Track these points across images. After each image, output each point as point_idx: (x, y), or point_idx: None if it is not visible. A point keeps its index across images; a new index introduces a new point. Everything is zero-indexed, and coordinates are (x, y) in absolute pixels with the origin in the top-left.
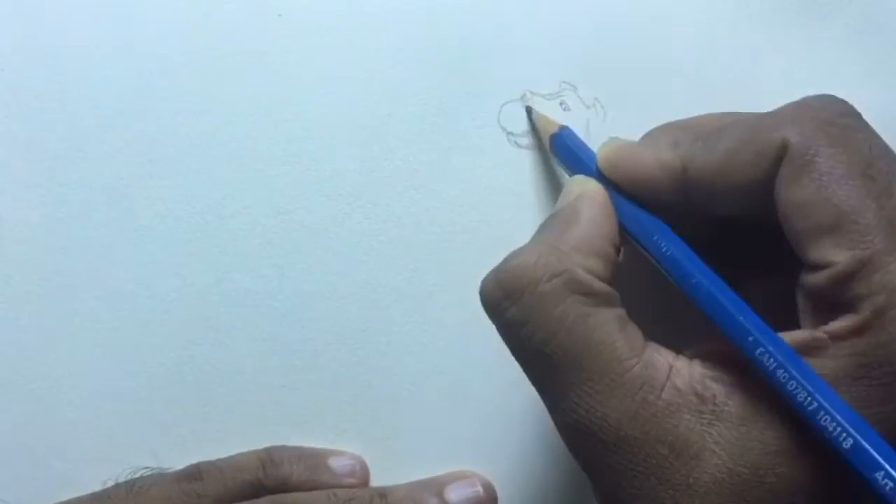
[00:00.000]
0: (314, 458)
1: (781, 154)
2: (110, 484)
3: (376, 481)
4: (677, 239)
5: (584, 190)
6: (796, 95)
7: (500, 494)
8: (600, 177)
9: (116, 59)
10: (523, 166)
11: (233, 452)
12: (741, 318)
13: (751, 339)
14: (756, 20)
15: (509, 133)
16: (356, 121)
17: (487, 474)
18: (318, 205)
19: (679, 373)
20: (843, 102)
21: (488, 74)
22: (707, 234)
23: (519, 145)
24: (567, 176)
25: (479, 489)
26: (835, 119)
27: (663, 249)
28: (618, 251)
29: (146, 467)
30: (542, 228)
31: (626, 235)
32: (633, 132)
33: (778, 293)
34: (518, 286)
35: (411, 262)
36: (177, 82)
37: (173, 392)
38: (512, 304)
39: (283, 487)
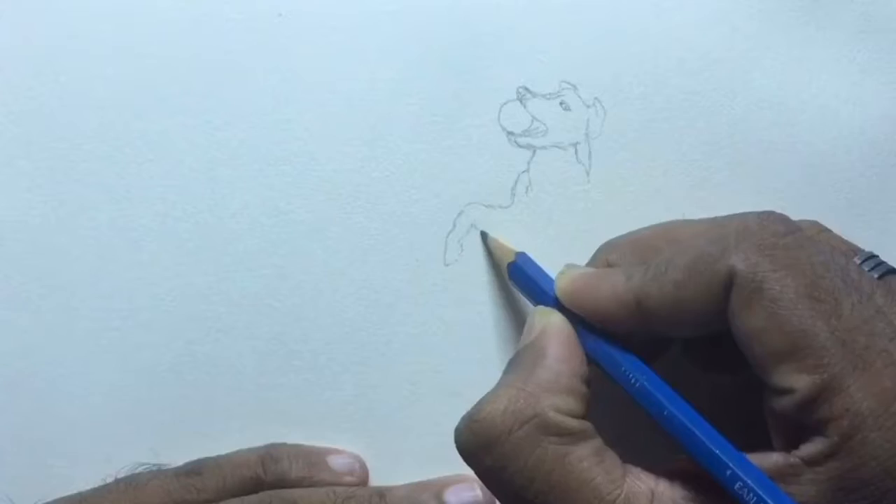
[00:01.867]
0: (313, 456)
1: (729, 283)
2: (110, 480)
3: (375, 481)
4: (646, 369)
5: (548, 324)
6: (796, 95)
7: None
8: (560, 306)
9: (116, 59)
10: (523, 166)
11: (233, 451)
12: (717, 451)
13: (728, 472)
14: (756, 20)
15: (509, 133)
16: (356, 121)
17: None
18: (318, 205)
19: (661, 498)
20: (783, 220)
21: (488, 74)
22: (670, 348)
23: (519, 145)
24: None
25: (478, 492)
26: (776, 241)
27: (633, 382)
28: (588, 384)
29: (146, 464)
30: (510, 368)
31: (596, 365)
32: (634, 132)
33: (747, 388)
34: (491, 437)
35: (411, 262)
36: (177, 82)
37: (173, 391)
38: (487, 455)
39: (282, 484)
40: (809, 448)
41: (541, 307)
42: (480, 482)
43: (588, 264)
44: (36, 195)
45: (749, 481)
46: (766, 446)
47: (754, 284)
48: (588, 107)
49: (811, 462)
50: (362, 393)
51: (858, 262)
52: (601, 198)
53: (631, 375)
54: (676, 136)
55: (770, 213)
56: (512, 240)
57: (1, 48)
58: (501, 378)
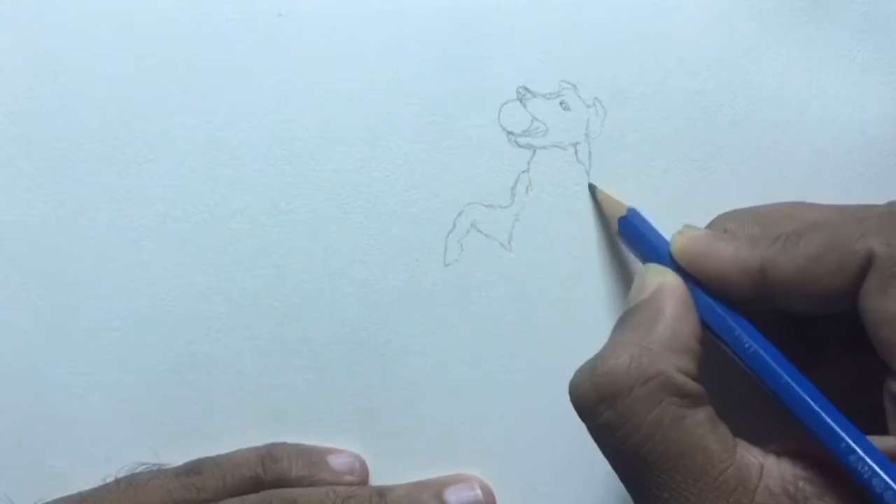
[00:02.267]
0: (313, 455)
1: (867, 265)
2: (110, 480)
3: (375, 481)
4: (760, 336)
5: (664, 283)
6: (796, 95)
7: (498, 496)
8: (675, 267)
9: (116, 59)
10: (523, 166)
11: (232, 451)
12: (834, 424)
13: (843, 445)
14: (756, 20)
15: (509, 133)
16: (356, 121)
17: (486, 475)
18: (318, 205)
19: (770, 473)
20: None
21: (488, 74)
22: (788, 325)
23: (519, 145)
24: (636, 259)
25: (478, 492)
26: None
27: (747, 347)
28: (703, 346)
29: (145, 464)
30: (626, 322)
31: (706, 329)
32: (634, 132)
33: (865, 379)
34: (613, 390)
35: (411, 262)
36: (177, 82)
37: (173, 391)
38: (608, 408)
39: (282, 483)
40: None
41: (653, 265)
42: (480, 480)
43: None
44: (36, 195)
45: (864, 455)
46: (882, 432)
47: (895, 270)
48: (588, 107)
49: None
50: (362, 393)
51: None
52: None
53: (745, 341)
54: (676, 136)
55: None
56: (512, 239)
57: (1, 48)
58: (616, 334)
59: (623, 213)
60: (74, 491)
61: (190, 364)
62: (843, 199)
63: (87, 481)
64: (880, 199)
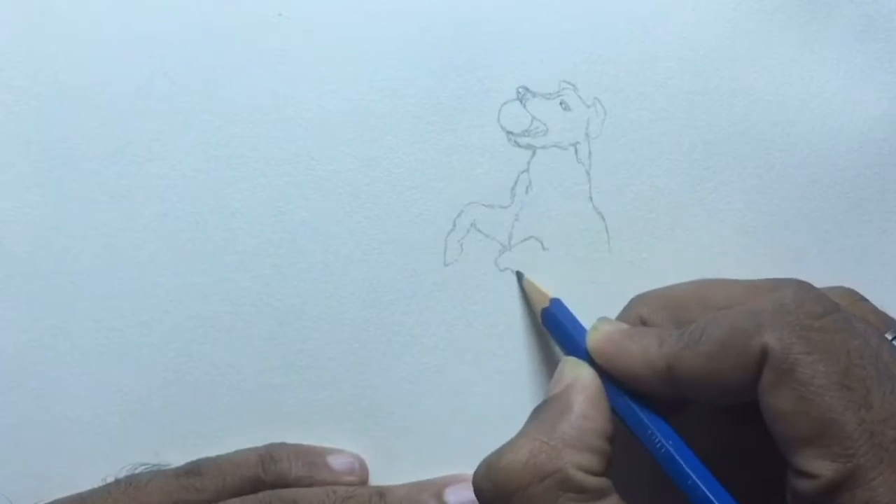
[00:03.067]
0: (313, 456)
1: (762, 360)
2: (110, 480)
3: (375, 480)
4: (673, 434)
5: (577, 377)
6: (796, 95)
7: None
8: (591, 359)
9: (116, 59)
10: (523, 166)
11: (232, 450)
12: None
13: None
14: (756, 20)
15: (509, 133)
16: (356, 121)
17: None
18: (318, 205)
19: None
20: (820, 299)
21: (488, 74)
22: (703, 414)
23: (519, 145)
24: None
25: None
26: (812, 322)
27: (658, 446)
28: (611, 442)
29: (145, 464)
30: (536, 416)
31: (622, 423)
32: (634, 132)
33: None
34: (510, 487)
35: (411, 262)
36: (177, 82)
37: (173, 392)
38: None
39: (282, 484)
40: None
41: (571, 359)
42: None
43: (619, 317)
44: (36, 195)
45: None
46: None
47: (786, 366)
48: (588, 107)
49: None
50: (362, 393)
51: (891, 336)
52: (601, 198)
53: (657, 440)
54: (676, 136)
55: (808, 290)
56: (512, 239)
57: (1, 48)
58: (525, 426)
59: (546, 303)
60: (74, 491)
61: (190, 364)
62: (843, 199)
63: (87, 481)
64: (880, 200)
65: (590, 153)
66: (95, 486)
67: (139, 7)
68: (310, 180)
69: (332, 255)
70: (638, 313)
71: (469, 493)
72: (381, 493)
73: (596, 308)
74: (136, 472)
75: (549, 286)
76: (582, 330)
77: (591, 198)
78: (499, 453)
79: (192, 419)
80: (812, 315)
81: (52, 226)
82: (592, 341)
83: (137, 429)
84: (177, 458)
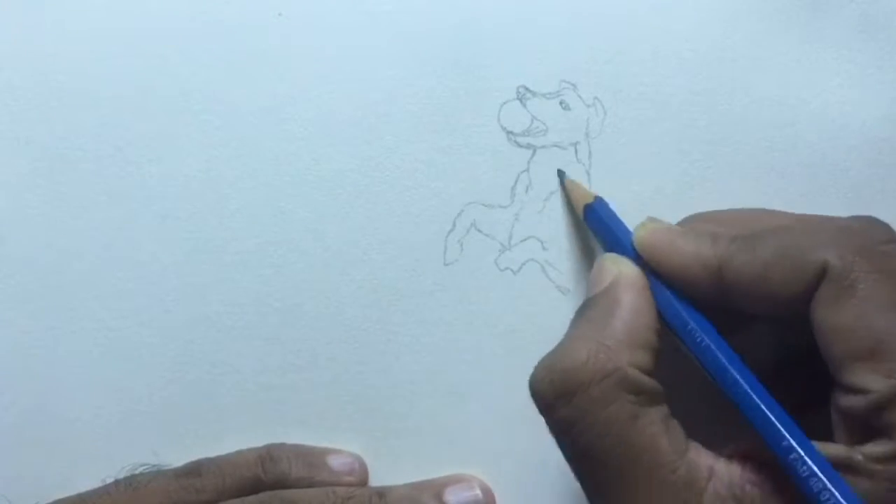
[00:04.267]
0: (313, 456)
1: (820, 275)
2: (109, 481)
3: (375, 481)
4: (714, 332)
5: (622, 273)
6: (796, 95)
7: (498, 496)
8: (636, 257)
9: (116, 58)
10: (523, 166)
11: (232, 451)
12: (778, 423)
13: (785, 444)
14: (756, 20)
15: (509, 132)
16: (356, 121)
17: (486, 475)
18: (318, 205)
19: (719, 477)
20: (886, 228)
21: (488, 73)
22: (743, 323)
23: (519, 145)
24: (598, 245)
25: (478, 492)
26: (875, 245)
27: (699, 342)
28: (660, 339)
29: (145, 464)
30: (584, 315)
31: (663, 323)
32: (634, 132)
33: (814, 386)
34: (570, 387)
35: (411, 262)
36: (177, 82)
37: (173, 391)
38: (564, 405)
39: (282, 484)
40: (872, 448)
41: (611, 255)
42: (480, 481)
43: None
44: (36, 195)
45: (805, 455)
46: (827, 438)
47: (847, 282)
48: (588, 106)
49: (872, 460)
50: (362, 393)
51: None
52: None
53: (698, 336)
54: (676, 136)
55: (872, 219)
56: (512, 239)
57: (1, 48)
58: (574, 326)
59: (590, 200)
60: (74, 491)
61: (190, 364)
62: (842, 199)
63: (87, 481)
64: (880, 200)
65: (590, 153)
66: (95, 486)
67: (139, 7)
68: (310, 180)
69: (332, 255)
70: (689, 224)
71: (469, 494)
72: (381, 493)
73: None
74: (136, 472)
75: (549, 285)
76: (626, 229)
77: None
78: (556, 355)
79: (192, 419)
80: (877, 239)
81: (52, 226)
82: (640, 235)
83: (137, 429)
84: (177, 458)
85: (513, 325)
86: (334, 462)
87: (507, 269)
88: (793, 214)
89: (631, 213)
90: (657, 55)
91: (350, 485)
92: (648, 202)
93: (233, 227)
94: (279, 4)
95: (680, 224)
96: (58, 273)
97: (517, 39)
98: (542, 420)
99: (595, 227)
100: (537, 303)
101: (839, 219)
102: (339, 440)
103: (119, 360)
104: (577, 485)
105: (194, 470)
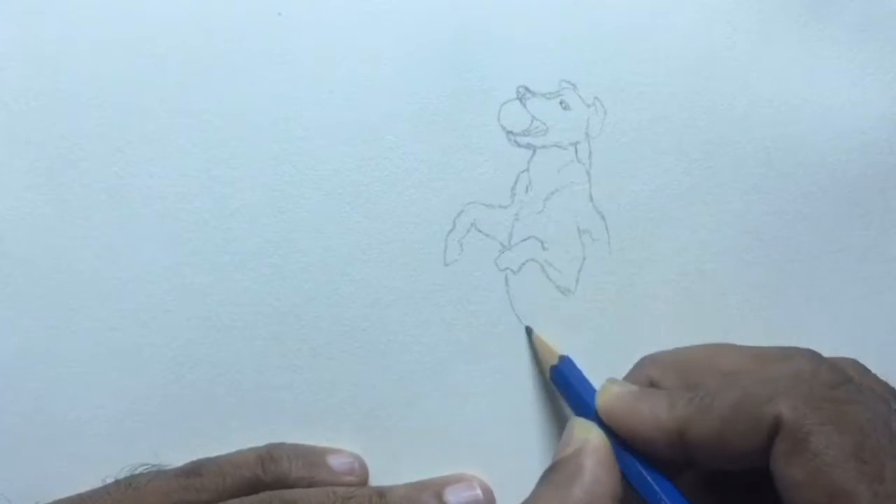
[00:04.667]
0: (313, 456)
1: (775, 428)
2: (109, 481)
3: (375, 481)
4: (681, 498)
5: (587, 441)
6: (796, 95)
7: (498, 496)
8: (600, 420)
9: (116, 58)
10: (523, 166)
11: (232, 451)
12: None
13: None
14: (756, 19)
15: (509, 132)
16: (356, 120)
17: (486, 475)
18: (318, 205)
19: None
20: (835, 369)
21: (488, 74)
22: (710, 479)
23: (519, 144)
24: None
25: (478, 492)
26: (826, 393)
27: None
28: None
29: (145, 464)
30: (546, 481)
31: (628, 484)
32: (634, 132)
33: None
34: None
35: (411, 262)
36: (177, 82)
37: (173, 391)
38: None
39: (282, 484)
40: None
41: (580, 420)
42: (480, 480)
43: (627, 377)
44: (36, 195)
45: None
46: None
47: (800, 435)
48: (588, 106)
49: None
50: (362, 393)
51: None
52: (601, 197)
53: (661, 499)
54: (676, 136)
55: (820, 360)
56: (512, 239)
57: (1, 48)
58: (537, 490)
59: (555, 361)
60: (74, 491)
61: (190, 364)
62: (843, 199)
63: (87, 481)
64: (880, 200)
65: (590, 153)
66: (95, 486)
67: (139, 7)
68: (310, 180)
69: (332, 255)
70: (647, 374)
71: (469, 493)
72: (381, 493)
73: (596, 311)
74: (136, 472)
75: (549, 285)
76: (591, 389)
77: (591, 198)
78: None
79: (192, 419)
80: (827, 385)
81: (52, 226)
82: (602, 402)
83: (137, 429)
84: (176, 458)
85: (513, 325)
86: (334, 462)
87: (507, 269)
88: (748, 350)
89: (631, 213)
90: (657, 55)
91: (350, 485)
92: (648, 202)
93: (233, 227)
94: (279, 4)
95: (637, 369)
96: (58, 273)
97: (517, 39)
98: (541, 420)
99: (562, 386)
100: (537, 303)
101: (789, 362)
102: (339, 440)
103: (119, 360)
104: None
105: (194, 470)
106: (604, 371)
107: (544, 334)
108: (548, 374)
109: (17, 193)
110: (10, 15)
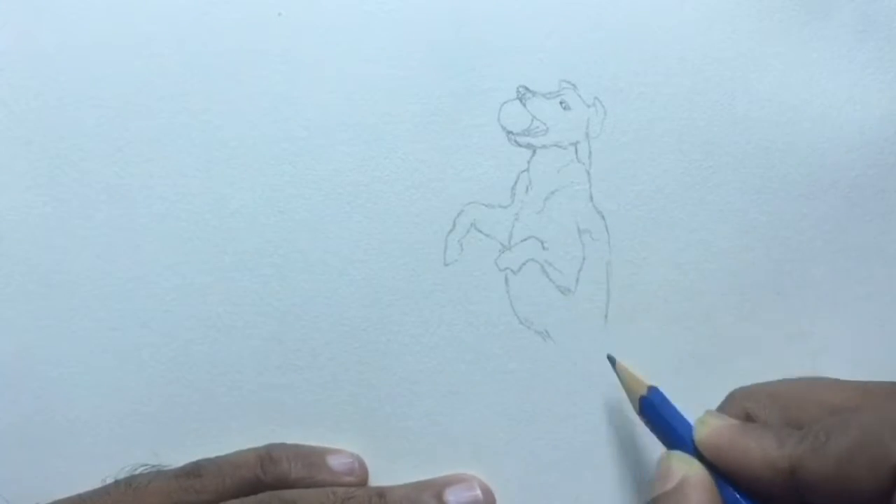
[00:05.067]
0: (312, 457)
1: None
2: (109, 481)
3: (375, 481)
4: None
5: (689, 475)
6: (796, 95)
7: (498, 496)
8: (698, 454)
9: (116, 58)
10: (523, 166)
11: (232, 451)
12: None
13: None
14: (756, 19)
15: (509, 132)
16: (356, 121)
17: (486, 475)
18: (318, 205)
19: None
20: None
21: (488, 73)
22: None
23: (519, 144)
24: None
25: (478, 492)
26: None
27: None
28: None
29: (145, 465)
30: None
31: None
32: (634, 132)
33: None
34: None
35: (411, 262)
36: (176, 82)
37: (173, 391)
38: None
39: (282, 485)
40: None
41: (678, 454)
42: (480, 481)
43: (721, 410)
44: (36, 195)
45: None
46: None
47: None
48: (588, 106)
49: None
50: (362, 393)
51: None
52: (601, 197)
53: None
54: (676, 136)
55: None
56: (512, 239)
57: (1, 48)
58: None
59: (644, 391)
60: (74, 492)
61: (190, 364)
62: (842, 199)
63: (87, 481)
64: (880, 200)
65: (590, 153)
66: (95, 486)
67: (139, 7)
68: (310, 180)
69: (332, 255)
70: (743, 407)
71: (469, 493)
72: (381, 493)
73: (596, 311)
74: (136, 472)
75: (548, 284)
76: (685, 421)
77: (591, 197)
78: None
79: (192, 419)
80: None
81: (52, 226)
82: (704, 436)
83: (137, 429)
84: (176, 458)
85: (513, 325)
86: (334, 462)
87: (507, 269)
88: (849, 385)
89: (632, 213)
90: (657, 55)
91: (350, 485)
92: (648, 202)
93: (233, 227)
94: (279, 4)
95: (731, 403)
96: (58, 273)
97: (517, 39)
98: (541, 420)
99: (652, 419)
100: (537, 303)
101: None
102: (339, 440)
103: (119, 360)
104: (576, 485)
105: (194, 470)
106: (607, 371)
107: (627, 363)
108: (636, 407)
109: (17, 193)
110: (10, 15)
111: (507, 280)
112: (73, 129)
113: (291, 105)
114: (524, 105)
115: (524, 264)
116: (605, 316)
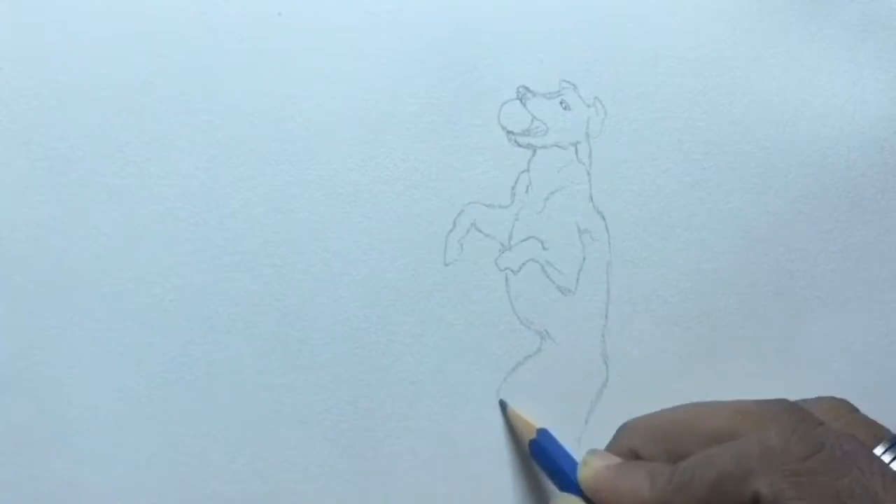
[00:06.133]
0: None
1: None
2: (109, 481)
3: (375, 480)
4: None
5: None
6: (796, 95)
7: (498, 496)
8: (582, 492)
9: (116, 58)
10: (523, 166)
11: (232, 451)
12: None
13: None
14: (756, 19)
15: (509, 132)
16: (356, 120)
17: (486, 475)
18: (318, 205)
19: None
20: (805, 437)
21: (488, 74)
22: None
23: (519, 144)
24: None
25: None
26: (799, 466)
27: None
28: None
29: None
30: None
31: None
32: (634, 132)
33: None
34: None
35: (411, 262)
36: (176, 82)
37: (173, 391)
38: None
39: None
40: None
41: (565, 496)
42: None
43: (608, 447)
44: (36, 195)
45: None
46: None
47: None
48: (588, 106)
49: None
50: (362, 393)
51: (883, 450)
52: (601, 197)
53: None
54: (676, 136)
55: (792, 427)
56: (512, 239)
57: (1, 48)
58: None
59: (532, 435)
60: (74, 491)
61: (190, 364)
62: (842, 199)
63: (87, 481)
64: (880, 200)
65: (590, 153)
66: (95, 486)
67: (139, 6)
68: (310, 180)
69: (332, 255)
70: (627, 444)
71: None
72: None
73: (596, 311)
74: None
75: (548, 284)
76: (572, 461)
77: (591, 197)
78: None
79: (192, 419)
80: (798, 458)
81: (52, 226)
82: (584, 478)
83: (137, 429)
84: (177, 458)
85: (513, 326)
86: None
87: (507, 268)
88: (718, 410)
89: (632, 212)
90: (657, 55)
91: None
92: (648, 202)
93: (233, 227)
94: (279, 4)
95: (618, 438)
96: (58, 273)
97: (517, 39)
98: (541, 420)
99: (542, 461)
100: (537, 303)
101: (760, 432)
102: (339, 440)
103: (119, 360)
104: None
105: None
106: (607, 371)
107: (518, 407)
108: (527, 449)
109: (17, 193)
110: (10, 15)
111: (507, 280)
112: (72, 129)
113: (291, 105)
114: (524, 105)
115: (524, 264)
116: (605, 316)
